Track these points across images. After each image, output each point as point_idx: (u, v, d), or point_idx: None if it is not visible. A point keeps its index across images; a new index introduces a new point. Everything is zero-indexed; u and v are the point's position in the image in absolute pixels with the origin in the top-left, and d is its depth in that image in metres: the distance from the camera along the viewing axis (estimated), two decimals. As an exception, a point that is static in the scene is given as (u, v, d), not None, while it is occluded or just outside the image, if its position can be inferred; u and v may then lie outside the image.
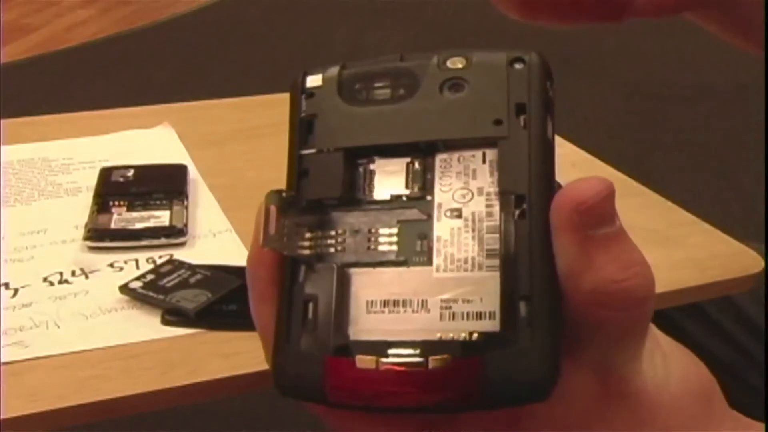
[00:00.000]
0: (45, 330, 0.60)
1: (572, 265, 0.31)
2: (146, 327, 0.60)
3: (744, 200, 2.24)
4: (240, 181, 0.81)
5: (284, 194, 0.34)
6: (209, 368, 0.56)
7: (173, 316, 0.60)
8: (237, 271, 0.65)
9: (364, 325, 0.33)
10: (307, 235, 0.34)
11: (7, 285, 0.64)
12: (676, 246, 0.66)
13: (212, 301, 0.61)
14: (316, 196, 0.35)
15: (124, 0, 3.84)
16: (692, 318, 0.76)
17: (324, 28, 3.24)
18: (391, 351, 0.32)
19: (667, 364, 0.35)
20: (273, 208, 0.33)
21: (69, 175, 0.82)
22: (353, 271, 0.33)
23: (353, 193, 0.34)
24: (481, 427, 0.33)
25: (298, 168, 0.35)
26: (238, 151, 0.87)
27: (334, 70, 0.36)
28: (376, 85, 0.34)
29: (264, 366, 0.56)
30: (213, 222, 0.74)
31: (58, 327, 0.60)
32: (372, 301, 0.33)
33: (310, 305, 0.33)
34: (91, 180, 0.78)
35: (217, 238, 0.71)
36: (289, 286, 0.34)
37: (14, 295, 0.63)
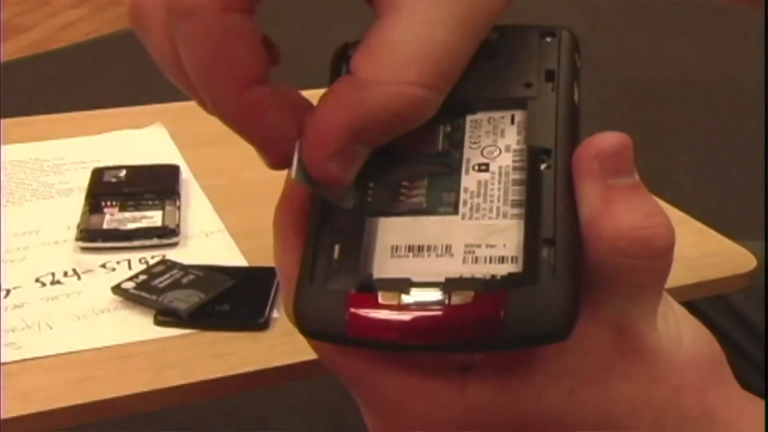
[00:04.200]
0: (37, 331, 0.59)
1: (593, 212, 0.31)
2: (139, 327, 0.60)
3: (737, 199, 2.24)
4: (232, 181, 0.81)
5: None
6: (202, 369, 0.56)
7: (166, 316, 0.60)
8: (230, 272, 0.65)
9: (388, 268, 0.33)
10: None
11: (-1, 286, 0.64)
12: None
13: (205, 301, 0.61)
14: None
15: (117, 0, 3.83)
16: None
17: (320, 29, 3.24)
18: (413, 288, 0.32)
19: (679, 326, 0.35)
20: None
21: (61, 176, 0.82)
22: (380, 219, 0.34)
23: (385, 148, 0.35)
24: (494, 379, 0.33)
25: None
26: (230, 151, 0.86)
27: None
28: None
29: (257, 366, 0.57)
30: (205, 222, 0.73)
31: (51, 328, 0.60)
32: (397, 246, 0.33)
33: (336, 247, 0.34)
34: (84, 180, 0.78)
35: (209, 239, 0.71)
36: (315, 231, 0.34)
37: (6, 296, 0.63)
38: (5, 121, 0.91)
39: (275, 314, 0.61)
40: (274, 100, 0.32)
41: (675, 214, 0.73)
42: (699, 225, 0.72)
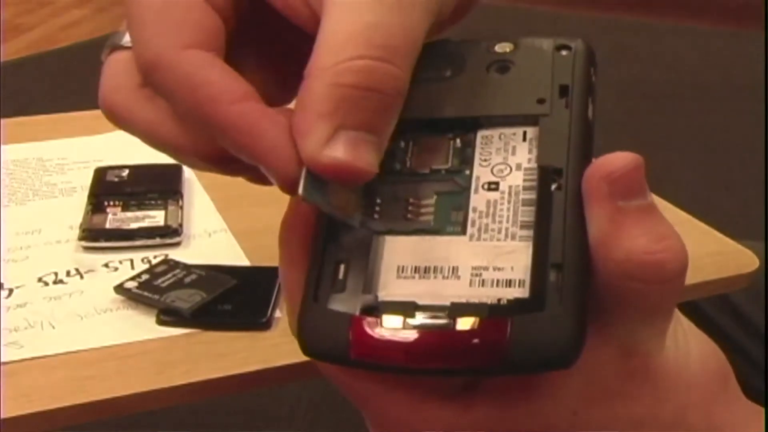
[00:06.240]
0: (40, 330, 0.59)
1: (603, 235, 0.31)
2: (141, 327, 0.60)
3: (738, 199, 2.24)
4: (235, 181, 0.80)
5: None
6: (204, 368, 0.56)
7: (168, 316, 0.60)
8: (232, 271, 0.65)
9: (394, 289, 0.33)
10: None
11: (1, 285, 0.64)
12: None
13: (207, 300, 0.61)
14: None
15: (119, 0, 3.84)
16: (688, 316, 0.76)
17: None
18: (418, 312, 0.32)
19: (687, 341, 0.35)
20: None
21: (63, 175, 0.82)
22: (387, 237, 0.34)
23: (394, 164, 0.34)
24: (499, 399, 0.33)
25: None
26: (232, 150, 0.87)
27: None
28: (423, 65, 0.34)
29: (259, 366, 0.57)
30: (208, 222, 0.73)
31: (53, 327, 0.60)
32: (403, 267, 0.33)
33: (341, 267, 0.33)
34: (86, 180, 0.78)
35: (212, 238, 0.71)
36: (321, 249, 0.34)
37: (9, 295, 0.63)
38: (6, 121, 0.91)
39: (277, 314, 0.61)
40: (269, 115, 0.33)
41: (677, 214, 0.73)
42: (702, 225, 0.72)
